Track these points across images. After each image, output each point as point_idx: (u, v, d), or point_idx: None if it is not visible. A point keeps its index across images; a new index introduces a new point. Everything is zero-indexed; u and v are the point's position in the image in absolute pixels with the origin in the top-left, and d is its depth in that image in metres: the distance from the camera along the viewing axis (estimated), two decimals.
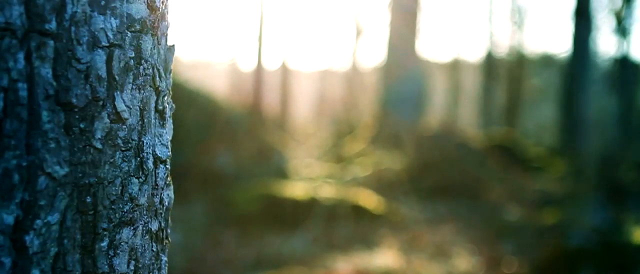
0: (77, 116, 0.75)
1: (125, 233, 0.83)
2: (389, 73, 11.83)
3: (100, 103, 0.77)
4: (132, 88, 0.82)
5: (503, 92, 17.34)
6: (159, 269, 0.92)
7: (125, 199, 0.82)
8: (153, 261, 0.90)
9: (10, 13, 0.68)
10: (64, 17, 0.72)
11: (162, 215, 0.92)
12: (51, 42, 0.71)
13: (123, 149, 0.81)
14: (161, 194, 0.91)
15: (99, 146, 0.78)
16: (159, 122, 0.89)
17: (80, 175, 0.76)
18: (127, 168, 0.82)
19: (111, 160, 0.80)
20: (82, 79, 0.75)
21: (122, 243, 0.83)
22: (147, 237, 0.88)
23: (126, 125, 0.81)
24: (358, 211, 6.11)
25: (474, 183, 7.92)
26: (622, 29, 12.97)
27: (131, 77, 0.81)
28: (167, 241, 0.95)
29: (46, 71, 0.71)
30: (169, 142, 0.92)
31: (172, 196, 0.95)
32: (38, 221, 0.72)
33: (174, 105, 0.94)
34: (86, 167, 0.77)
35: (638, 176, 9.09)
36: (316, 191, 6.27)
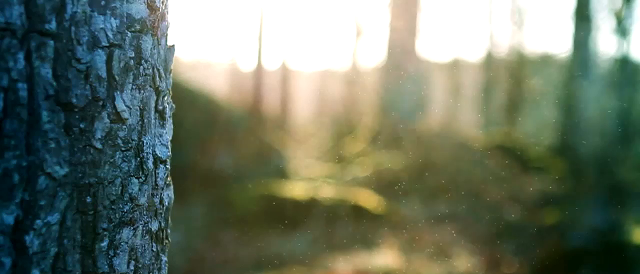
0: (77, 116, 0.75)
1: (125, 233, 0.83)
2: (389, 73, 11.83)
3: (100, 103, 0.77)
4: (132, 88, 0.82)
5: (503, 92, 17.32)
6: (159, 269, 0.92)
7: (125, 199, 0.82)
8: (153, 261, 0.90)
9: (10, 13, 0.68)
10: (64, 17, 0.72)
11: (162, 215, 0.92)
12: (51, 42, 0.71)
13: (123, 149, 0.81)
14: (161, 194, 0.91)
15: (99, 146, 0.78)
16: (159, 122, 0.89)
17: (80, 175, 0.76)
18: (127, 168, 0.82)
19: (111, 160, 0.80)
20: (82, 79, 0.75)
21: (122, 243, 0.83)
22: (147, 237, 0.88)
23: (126, 125, 0.81)
24: (358, 211, 6.10)
25: (474, 183, 7.92)
26: (622, 29, 12.96)
27: (131, 77, 0.81)
28: (167, 241, 0.95)
29: (46, 71, 0.71)
30: (169, 142, 0.92)
31: (172, 196, 0.95)
32: (38, 221, 0.72)
33: (174, 105, 0.94)
34: (86, 167, 0.76)
35: (638, 176, 9.08)
36: (316, 191, 6.26)
